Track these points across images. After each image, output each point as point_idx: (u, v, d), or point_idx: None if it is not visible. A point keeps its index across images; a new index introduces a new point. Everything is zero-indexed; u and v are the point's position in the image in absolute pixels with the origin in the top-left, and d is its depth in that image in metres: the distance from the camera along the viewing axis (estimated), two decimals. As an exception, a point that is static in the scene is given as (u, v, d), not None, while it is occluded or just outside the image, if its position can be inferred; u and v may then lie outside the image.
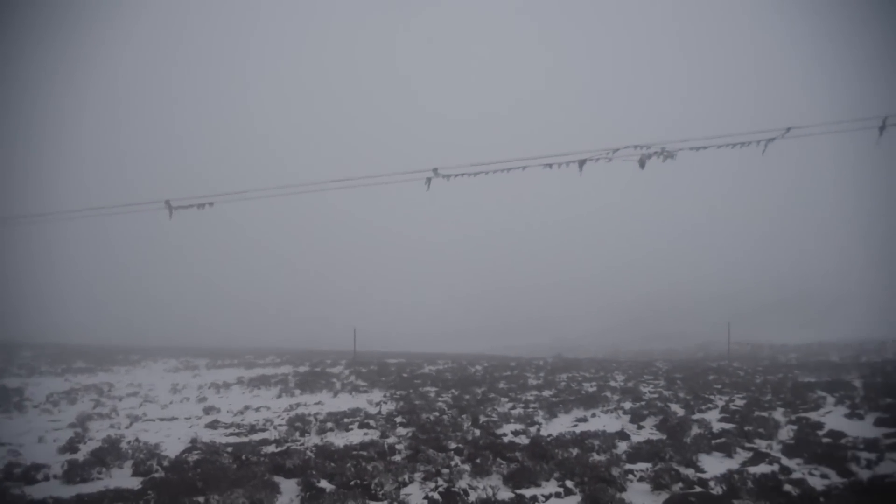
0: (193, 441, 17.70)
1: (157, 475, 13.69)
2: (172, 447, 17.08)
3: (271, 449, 16.46)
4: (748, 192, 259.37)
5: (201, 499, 11.37)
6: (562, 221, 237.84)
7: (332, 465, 13.78)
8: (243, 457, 14.95)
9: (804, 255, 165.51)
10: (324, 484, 12.42)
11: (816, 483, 12.27)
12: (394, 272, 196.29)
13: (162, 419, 22.80)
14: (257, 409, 24.88)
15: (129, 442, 17.41)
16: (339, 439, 17.91)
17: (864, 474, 12.83)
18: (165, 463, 14.67)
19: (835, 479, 12.71)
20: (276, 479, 12.97)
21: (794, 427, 17.64)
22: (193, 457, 15.33)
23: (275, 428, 20.16)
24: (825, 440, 15.71)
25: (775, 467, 13.43)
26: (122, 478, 13.72)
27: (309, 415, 22.41)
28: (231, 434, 19.50)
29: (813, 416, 19.17)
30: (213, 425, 21.09)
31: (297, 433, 18.97)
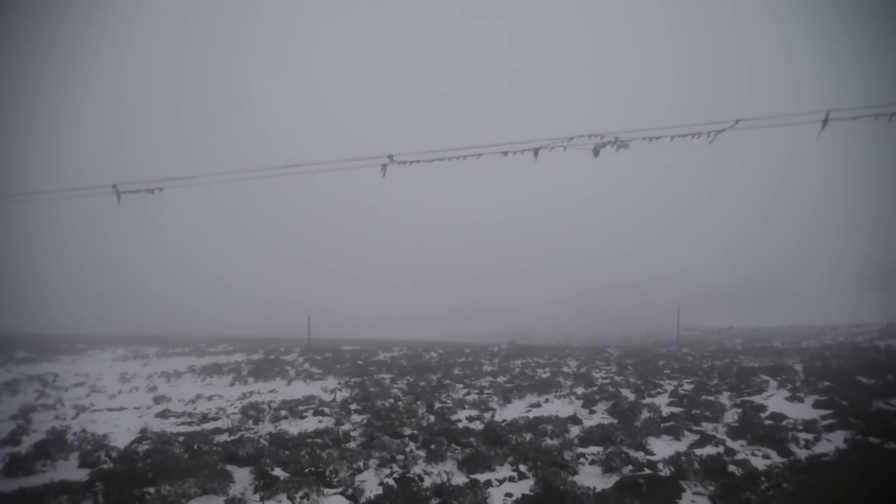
0: (143, 431, 17.33)
1: (105, 466, 13.35)
2: (121, 438, 16.68)
3: (224, 437, 16.24)
4: (699, 184, 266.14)
5: (152, 489, 11.16)
6: (520, 216, 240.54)
7: (287, 452, 13.68)
8: (195, 446, 14.71)
9: (752, 246, 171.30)
10: (278, 472, 12.33)
11: (759, 463, 12.79)
12: (353, 253, 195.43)
13: (110, 409, 22.20)
14: (209, 398, 24.47)
15: (75, 433, 16.91)
16: (293, 427, 17.77)
17: (803, 454, 13.42)
18: (114, 454, 14.31)
19: (776, 458, 13.26)
20: (229, 467, 12.81)
21: (739, 410, 18.28)
22: (143, 447, 15.01)
23: (227, 416, 19.88)
24: (767, 422, 16.32)
25: (721, 449, 13.92)
26: (69, 470, 13.33)
27: (262, 403, 22.16)
28: (182, 423, 19.14)
29: (757, 399, 19.88)
30: (163, 415, 20.65)
31: (251, 421, 18.75)
